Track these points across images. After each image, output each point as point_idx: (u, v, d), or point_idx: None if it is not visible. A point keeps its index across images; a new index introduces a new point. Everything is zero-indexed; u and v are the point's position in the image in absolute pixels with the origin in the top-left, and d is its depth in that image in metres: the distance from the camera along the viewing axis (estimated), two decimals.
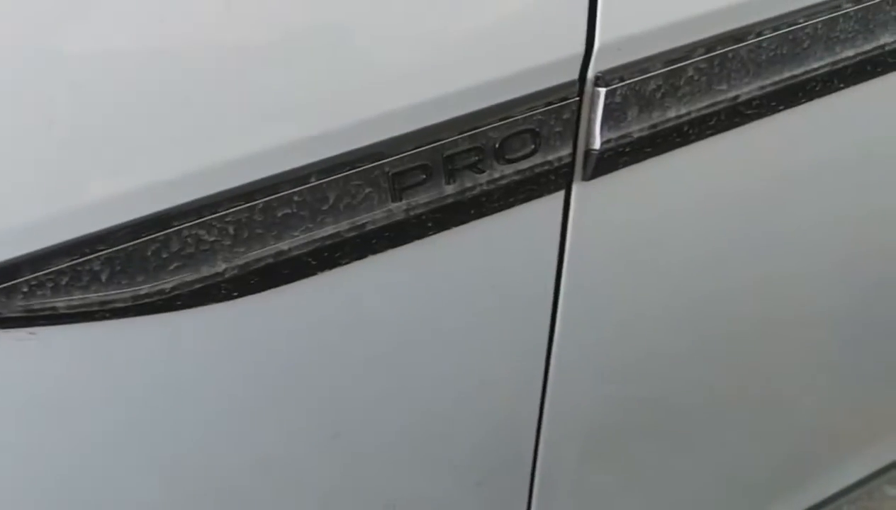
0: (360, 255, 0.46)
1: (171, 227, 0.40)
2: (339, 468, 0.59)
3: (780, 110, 0.53)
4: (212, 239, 0.42)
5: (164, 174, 0.39)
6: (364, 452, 0.58)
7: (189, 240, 0.41)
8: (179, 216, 0.40)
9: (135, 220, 0.40)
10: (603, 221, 0.53)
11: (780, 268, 0.66)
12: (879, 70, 0.55)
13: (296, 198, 0.42)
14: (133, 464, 0.49)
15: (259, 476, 0.55)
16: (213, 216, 0.41)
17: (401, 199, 0.45)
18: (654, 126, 0.49)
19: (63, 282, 0.40)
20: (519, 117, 0.45)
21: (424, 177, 0.45)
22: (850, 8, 0.51)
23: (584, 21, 0.44)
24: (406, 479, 0.63)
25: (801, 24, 0.50)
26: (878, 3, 0.52)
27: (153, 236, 0.40)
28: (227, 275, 0.43)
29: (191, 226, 0.41)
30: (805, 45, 0.51)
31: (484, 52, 0.43)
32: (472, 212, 0.48)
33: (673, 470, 0.84)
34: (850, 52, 0.53)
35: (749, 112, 0.51)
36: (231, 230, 0.42)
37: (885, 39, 0.54)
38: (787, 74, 0.51)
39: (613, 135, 0.48)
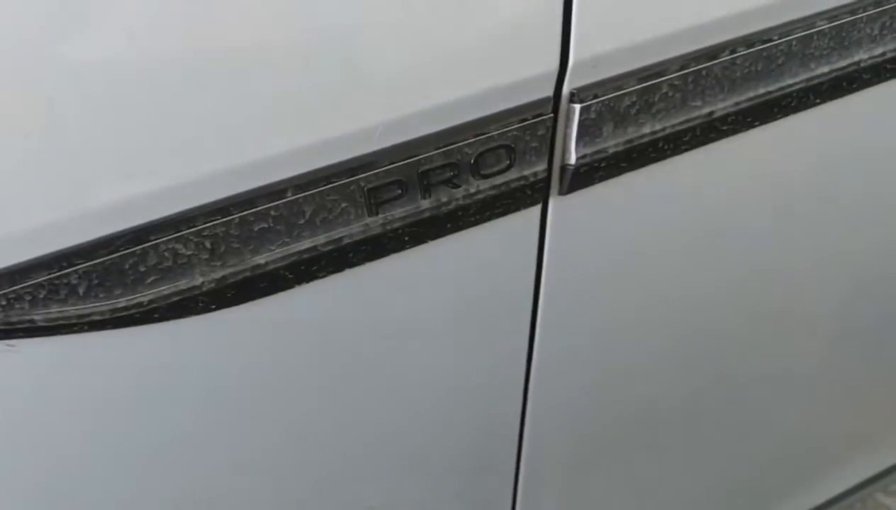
0: (338, 269, 0.47)
1: (148, 241, 0.41)
2: (319, 477, 0.59)
3: (755, 126, 0.53)
4: (189, 253, 0.42)
5: (140, 188, 0.40)
6: (343, 462, 0.59)
7: (166, 254, 0.42)
8: (156, 230, 0.41)
9: (112, 234, 0.40)
10: (580, 235, 0.54)
11: (758, 279, 0.67)
12: (855, 86, 0.55)
13: (272, 212, 0.43)
14: (112, 473, 0.50)
15: (236, 484, 0.55)
16: (190, 230, 0.42)
17: (377, 214, 0.46)
18: (629, 141, 0.50)
19: (41, 296, 0.40)
20: (494, 134, 0.46)
21: (400, 192, 0.46)
22: (824, 25, 0.52)
23: (559, 38, 0.45)
24: (386, 489, 0.64)
25: (775, 41, 0.50)
26: (853, 20, 0.53)
27: (130, 250, 0.41)
28: (204, 289, 0.43)
29: (168, 240, 0.41)
30: (780, 62, 0.52)
31: (458, 69, 0.43)
32: (449, 226, 0.48)
33: (659, 479, 0.85)
34: (825, 69, 0.53)
35: (724, 127, 0.52)
36: (208, 244, 0.43)
37: (860, 56, 0.54)
38: (761, 91, 0.52)
39: (589, 150, 0.49)
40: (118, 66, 0.37)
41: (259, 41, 0.39)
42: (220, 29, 0.38)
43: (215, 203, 0.42)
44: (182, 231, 0.41)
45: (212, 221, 0.42)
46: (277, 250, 0.44)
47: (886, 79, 0.57)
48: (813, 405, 0.91)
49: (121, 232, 0.40)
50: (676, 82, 0.49)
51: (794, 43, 0.51)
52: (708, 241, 0.60)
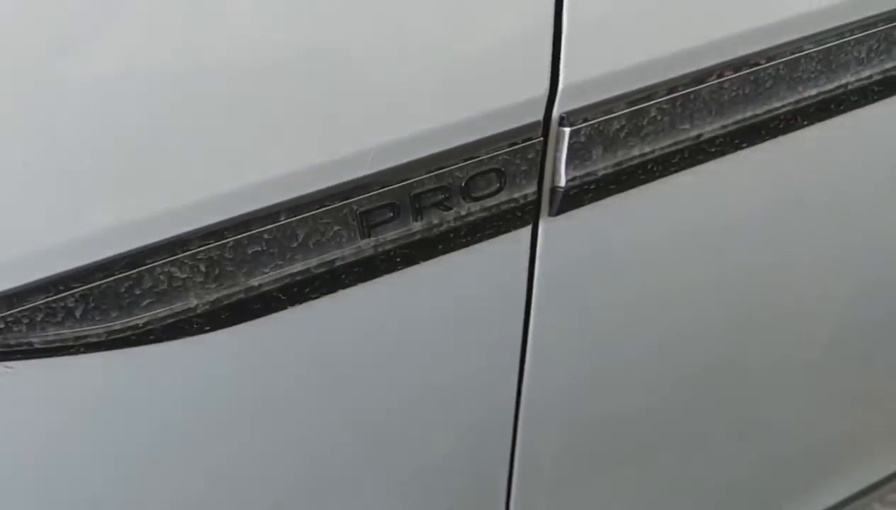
0: (330, 290, 0.47)
1: (143, 265, 0.42)
2: (314, 490, 0.60)
3: (743, 148, 0.54)
4: (184, 276, 0.43)
5: (136, 213, 0.40)
6: (338, 475, 0.60)
7: (161, 277, 0.43)
8: (152, 254, 0.42)
9: (108, 258, 0.41)
10: (570, 255, 0.54)
11: (748, 298, 0.67)
12: (842, 108, 0.56)
13: (266, 235, 0.44)
14: (109, 491, 0.50)
15: (230, 498, 0.56)
16: (184, 254, 0.42)
17: (369, 236, 0.46)
18: (618, 164, 0.50)
19: (38, 319, 0.41)
20: (484, 157, 0.47)
21: (392, 214, 0.46)
22: (811, 49, 0.52)
23: (548, 63, 0.46)
24: (382, 498, 0.64)
25: (762, 64, 0.51)
26: (840, 44, 0.53)
27: (126, 274, 0.42)
28: (198, 311, 0.44)
29: (163, 263, 0.42)
30: (767, 85, 0.52)
31: (449, 94, 0.44)
32: (441, 247, 0.49)
33: (655, 489, 0.85)
34: (813, 92, 0.54)
35: (712, 150, 0.53)
36: (202, 267, 0.43)
37: (848, 78, 0.55)
38: (749, 114, 0.52)
39: (578, 173, 0.49)
40: (114, 90, 0.38)
41: (252, 68, 0.40)
42: (214, 54, 0.39)
43: (210, 227, 0.42)
44: (177, 254, 0.42)
45: (206, 245, 0.43)
46: (271, 272, 0.45)
47: (873, 101, 0.57)
48: (810, 414, 0.91)
49: (117, 256, 0.41)
50: (665, 106, 0.50)
51: (781, 67, 0.52)
52: (697, 261, 0.61)
